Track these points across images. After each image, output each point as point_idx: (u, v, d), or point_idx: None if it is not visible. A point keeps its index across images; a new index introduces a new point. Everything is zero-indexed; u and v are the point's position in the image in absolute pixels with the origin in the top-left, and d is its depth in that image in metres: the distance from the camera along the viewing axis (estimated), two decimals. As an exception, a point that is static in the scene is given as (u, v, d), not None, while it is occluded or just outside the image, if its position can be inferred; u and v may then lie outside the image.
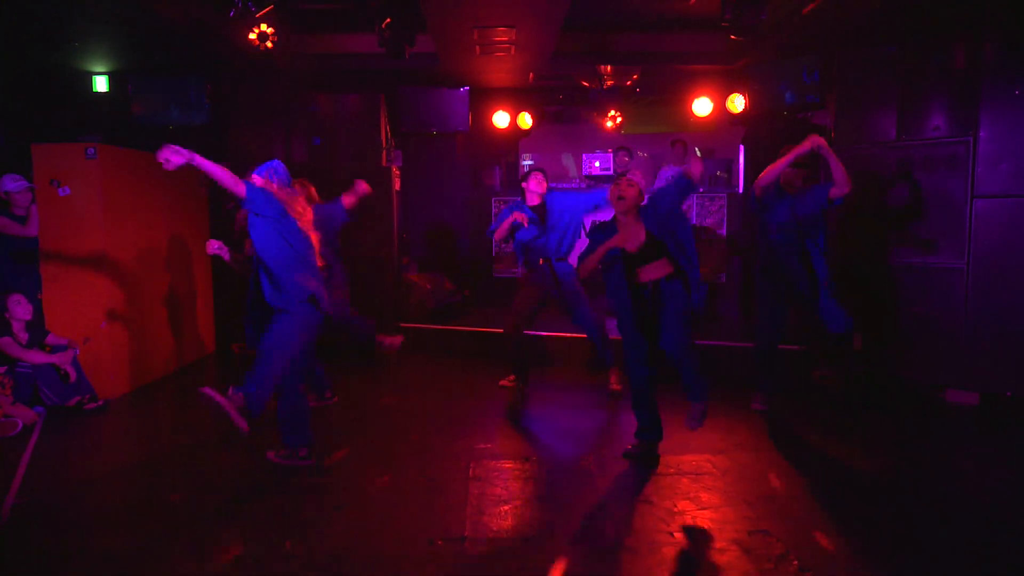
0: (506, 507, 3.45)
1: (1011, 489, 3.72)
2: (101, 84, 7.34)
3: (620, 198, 3.90)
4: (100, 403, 5.11)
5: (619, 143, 9.19)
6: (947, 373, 5.24)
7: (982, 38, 5.00)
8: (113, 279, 5.43)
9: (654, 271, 3.91)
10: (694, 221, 7.58)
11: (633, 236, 3.91)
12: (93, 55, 6.93)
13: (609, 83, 7.91)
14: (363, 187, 5.13)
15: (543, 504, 3.49)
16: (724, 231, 7.71)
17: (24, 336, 5.00)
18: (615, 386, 5.41)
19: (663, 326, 3.92)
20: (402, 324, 7.23)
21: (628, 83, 8.02)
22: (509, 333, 5.39)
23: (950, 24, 5.31)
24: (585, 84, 8.02)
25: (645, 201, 4.00)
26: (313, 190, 5.00)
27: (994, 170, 4.98)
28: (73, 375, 5.03)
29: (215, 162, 3.44)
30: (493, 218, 8.36)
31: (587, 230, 4.35)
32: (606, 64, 7.54)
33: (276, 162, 3.89)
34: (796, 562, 2.87)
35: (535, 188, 5.29)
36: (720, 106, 7.60)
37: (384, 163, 7.28)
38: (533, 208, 5.26)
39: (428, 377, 6.03)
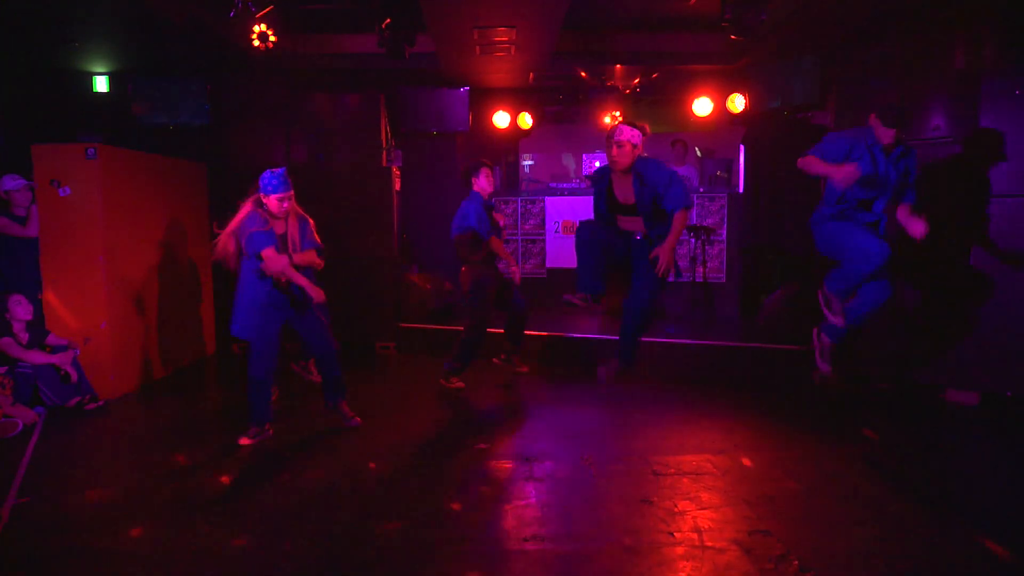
0: (505, 507, 3.45)
1: (1012, 489, 3.72)
2: (101, 84, 7.35)
3: (614, 161, 4.18)
4: (100, 403, 5.11)
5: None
6: (947, 373, 5.24)
7: (982, 38, 5.00)
8: (113, 279, 5.44)
9: (634, 224, 4.25)
10: (694, 221, 7.58)
11: (626, 190, 4.24)
12: (93, 55, 6.94)
13: (609, 83, 7.91)
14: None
15: (542, 504, 3.49)
16: (724, 232, 7.71)
17: (24, 336, 5.01)
18: (522, 367, 5.94)
19: (635, 278, 4.28)
20: (402, 324, 7.25)
21: (628, 83, 8.02)
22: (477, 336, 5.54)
23: (950, 24, 5.31)
24: (584, 84, 8.02)
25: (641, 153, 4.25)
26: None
27: (995, 170, 4.98)
28: (74, 375, 5.03)
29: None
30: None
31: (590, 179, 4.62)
32: (606, 64, 7.54)
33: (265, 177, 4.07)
34: (796, 562, 2.87)
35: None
36: (720, 106, 7.60)
37: (384, 163, 7.29)
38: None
39: (428, 377, 6.02)
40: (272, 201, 4.03)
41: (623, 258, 4.38)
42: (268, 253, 4.04)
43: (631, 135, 4.11)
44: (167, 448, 4.38)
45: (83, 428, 4.77)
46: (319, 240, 4.36)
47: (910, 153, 4.42)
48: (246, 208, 4.09)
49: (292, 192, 4.10)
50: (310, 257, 4.26)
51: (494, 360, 6.00)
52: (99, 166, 5.28)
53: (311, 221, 4.35)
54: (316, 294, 4.16)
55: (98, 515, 3.42)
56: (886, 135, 4.33)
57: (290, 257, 4.14)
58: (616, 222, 4.39)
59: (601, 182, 4.40)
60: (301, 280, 4.11)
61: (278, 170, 4.04)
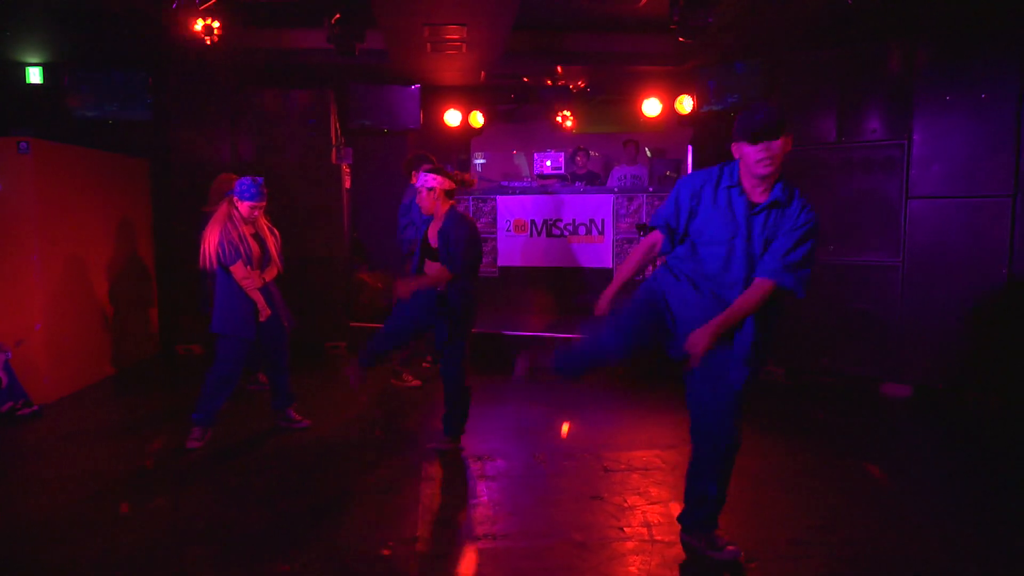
0: (458, 505, 3.45)
1: (943, 477, 3.89)
2: (35, 76, 7.02)
3: (419, 204, 4.12)
4: (35, 408, 4.91)
5: (570, 143, 9.25)
6: (882, 367, 5.45)
7: (916, 45, 5.22)
8: (48, 279, 5.22)
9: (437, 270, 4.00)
10: (644, 219, 7.70)
11: (435, 230, 4.13)
12: (26, 45, 6.64)
13: (560, 82, 7.96)
14: None
15: (495, 503, 3.50)
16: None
17: (-49, 339, 4.78)
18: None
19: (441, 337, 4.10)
20: (352, 323, 7.16)
21: (579, 83, 8.08)
22: None
23: (887, 30, 5.53)
24: (536, 83, 8.06)
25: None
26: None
27: (927, 172, 5.20)
28: (5, 380, 4.82)
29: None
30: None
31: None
32: (557, 64, 7.58)
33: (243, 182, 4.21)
34: (742, 553, 2.94)
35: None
36: (669, 107, 7.72)
37: (334, 161, 7.18)
38: None
39: (378, 376, 5.97)
40: (245, 207, 4.20)
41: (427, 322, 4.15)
42: (237, 268, 4.18)
43: (436, 183, 3.96)
44: (106, 454, 4.23)
45: (17, 435, 4.57)
46: (280, 259, 4.48)
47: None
48: (222, 211, 4.21)
49: (265, 203, 4.27)
50: (272, 274, 4.43)
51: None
52: (32, 161, 5.07)
53: (279, 237, 4.51)
54: (264, 313, 4.29)
55: (33, 526, 3.29)
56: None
57: (261, 276, 4.30)
58: (423, 268, 4.13)
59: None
60: (257, 297, 4.25)
61: (258, 179, 4.23)
